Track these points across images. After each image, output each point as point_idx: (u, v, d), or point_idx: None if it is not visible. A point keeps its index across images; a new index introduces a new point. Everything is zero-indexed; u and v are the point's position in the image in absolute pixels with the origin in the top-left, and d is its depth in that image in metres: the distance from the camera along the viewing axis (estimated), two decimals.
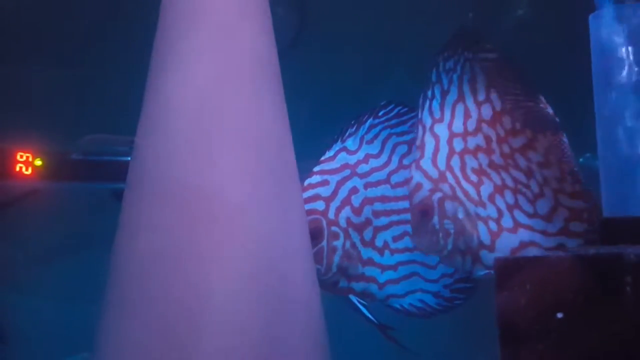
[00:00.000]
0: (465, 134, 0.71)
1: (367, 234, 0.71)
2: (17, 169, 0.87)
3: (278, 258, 0.59)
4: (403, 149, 0.75)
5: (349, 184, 0.72)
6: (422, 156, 0.70)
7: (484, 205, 0.70)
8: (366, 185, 0.72)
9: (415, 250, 0.71)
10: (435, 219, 0.68)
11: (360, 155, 0.73)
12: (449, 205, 0.69)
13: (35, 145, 0.89)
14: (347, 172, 0.72)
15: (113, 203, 0.82)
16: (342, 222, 0.72)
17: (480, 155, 0.71)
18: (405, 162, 0.74)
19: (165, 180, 0.58)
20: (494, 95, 0.73)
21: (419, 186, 0.69)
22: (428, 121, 0.71)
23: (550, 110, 0.73)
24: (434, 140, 0.71)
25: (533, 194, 0.71)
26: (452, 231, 0.68)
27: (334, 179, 0.71)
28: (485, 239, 0.70)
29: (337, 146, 0.73)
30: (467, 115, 0.72)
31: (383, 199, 0.73)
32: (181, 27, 0.61)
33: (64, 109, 0.93)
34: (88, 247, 0.90)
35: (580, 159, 0.97)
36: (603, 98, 0.58)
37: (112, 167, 0.88)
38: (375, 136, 0.74)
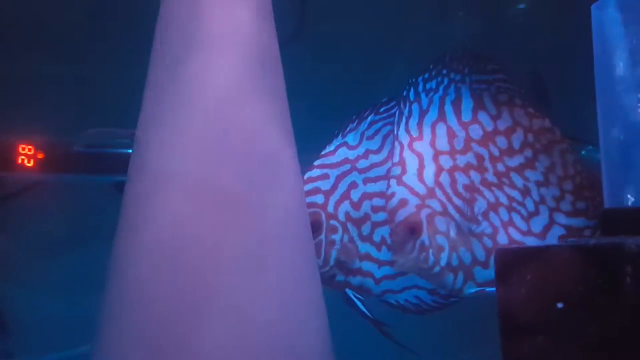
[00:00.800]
0: (453, 152, 0.71)
1: (365, 228, 0.71)
2: (19, 161, 0.87)
3: (284, 249, 0.59)
4: None
5: (348, 179, 0.72)
6: (404, 172, 0.70)
7: (477, 222, 0.70)
8: (365, 181, 0.72)
9: (396, 268, 0.69)
10: (425, 235, 0.68)
11: (361, 150, 0.73)
12: (440, 221, 0.69)
13: (37, 138, 0.89)
14: (347, 166, 0.72)
15: (115, 195, 0.83)
16: (341, 216, 0.72)
17: (472, 173, 0.71)
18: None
19: (167, 172, 0.59)
20: (484, 117, 0.73)
21: (403, 202, 0.68)
22: (405, 139, 0.71)
23: (557, 131, 0.74)
24: (416, 157, 0.70)
25: (528, 212, 0.72)
26: (445, 247, 0.68)
27: (334, 173, 0.72)
28: (480, 255, 0.70)
29: (338, 141, 0.74)
30: (451, 134, 0.72)
31: (381, 194, 0.73)
32: (183, 19, 0.61)
33: (66, 102, 0.93)
34: (90, 239, 0.90)
35: (582, 152, 0.97)
36: (605, 89, 0.57)
37: (114, 160, 0.88)
38: (376, 132, 0.75)
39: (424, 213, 0.68)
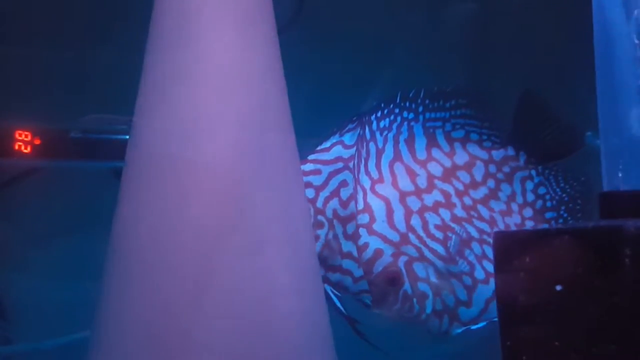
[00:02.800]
0: (419, 192, 0.70)
1: (350, 227, 0.70)
2: (16, 147, 0.87)
3: (281, 234, 0.59)
4: None
5: (340, 177, 0.71)
6: (372, 220, 0.68)
7: (454, 261, 0.69)
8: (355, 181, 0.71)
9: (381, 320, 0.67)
10: (407, 284, 0.66)
11: (355, 150, 0.72)
12: (418, 267, 0.67)
13: (34, 124, 0.88)
14: (340, 165, 0.71)
15: (113, 181, 0.82)
16: (329, 213, 0.71)
17: (442, 211, 0.71)
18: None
19: (165, 157, 0.58)
20: (439, 154, 0.73)
21: (379, 252, 0.67)
22: (367, 182, 0.70)
23: (521, 158, 0.74)
24: (382, 201, 0.69)
25: None
26: (429, 293, 0.67)
27: (326, 169, 0.71)
28: (462, 295, 0.69)
29: (335, 139, 0.73)
30: (412, 173, 0.71)
31: None
32: (180, 3, 0.61)
33: (63, 88, 0.93)
34: (88, 225, 0.90)
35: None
36: (605, 73, 0.57)
37: (112, 146, 0.88)
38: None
39: (402, 261, 0.67)
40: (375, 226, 0.68)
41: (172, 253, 0.56)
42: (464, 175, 0.73)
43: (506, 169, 0.75)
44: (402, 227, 0.68)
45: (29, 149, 0.87)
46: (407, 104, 0.72)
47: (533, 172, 0.76)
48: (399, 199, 0.69)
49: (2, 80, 0.91)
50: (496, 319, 0.68)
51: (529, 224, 0.73)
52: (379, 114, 0.71)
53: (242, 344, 0.55)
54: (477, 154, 0.75)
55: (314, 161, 0.73)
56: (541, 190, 0.76)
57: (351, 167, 0.70)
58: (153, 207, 0.58)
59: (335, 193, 0.71)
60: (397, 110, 0.71)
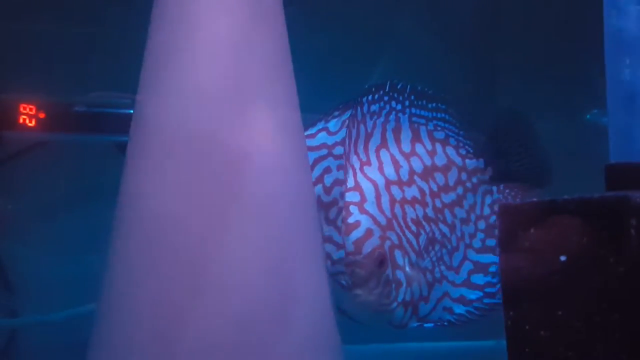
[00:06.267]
0: (401, 183, 0.70)
1: (332, 213, 0.70)
2: (21, 121, 0.87)
3: (286, 205, 0.59)
4: None
5: (324, 163, 0.70)
6: (363, 199, 0.67)
7: (422, 257, 0.70)
8: (339, 167, 0.71)
9: (355, 309, 0.65)
10: (389, 269, 0.65)
11: (338, 137, 0.72)
12: (398, 255, 0.67)
13: (38, 98, 0.88)
14: (325, 151, 0.71)
15: (116, 155, 0.82)
16: None
17: (417, 207, 0.70)
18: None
19: (171, 131, 0.58)
20: (421, 151, 0.73)
21: (369, 233, 0.65)
22: (356, 162, 0.69)
23: (489, 172, 0.75)
24: (370, 184, 0.68)
25: (452, 248, 0.73)
26: (403, 282, 0.66)
27: (312, 155, 0.71)
28: (424, 290, 0.69)
29: (320, 125, 0.73)
30: (396, 163, 0.71)
31: None
32: None
33: (68, 61, 0.93)
34: (92, 198, 0.91)
35: (588, 116, 0.96)
36: (614, 52, 0.57)
37: (116, 119, 0.88)
38: None
39: (387, 245, 0.66)
40: (366, 206, 0.67)
41: (177, 226, 0.56)
42: (440, 177, 0.73)
43: (474, 180, 0.76)
44: (388, 212, 0.68)
45: (33, 122, 0.87)
46: (396, 95, 0.72)
47: (494, 188, 0.77)
48: (385, 185, 0.68)
49: (7, 55, 0.90)
50: (446, 324, 0.69)
51: (480, 236, 0.75)
52: (370, 98, 0.70)
53: (246, 313, 0.56)
54: (454, 159, 0.75)
55: None
56: (497, 207, 0.77)
57: (335, 154, 0.70)
58: (159, 181, 0.58)
59: (320, 179, 0.70)
60: (386, 98, 0.71)
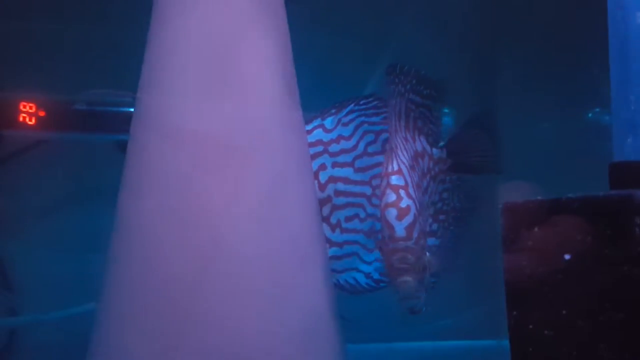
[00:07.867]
0: (413, 168, 0.69)
1: (325, 209, 0.71)
2: (21, 119, 0.87)
3: (287, 202, 0.59)
4: (370, 137, 0.74)
5: (319, 160, 0.71)
6: (407, 184, 0.65)
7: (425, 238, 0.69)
8: (334, 165, 0.72)
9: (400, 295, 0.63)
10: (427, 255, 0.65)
11: (334, 135, 0.73)
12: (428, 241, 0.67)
13: (38, 96, 0.88)
14: (320, 148, 0.71)
15: (116, 154, 0.82)
16: None
17: (417, 190, 0.70)
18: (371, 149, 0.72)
19: (171, 129, 0.58)
20: (411, 136, 0.73)
21: (416, 218, 0.63)
22: (400, 143, 0.67)
23: (449, 162, 0.76)
24: (405, 168, 0.67)
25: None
26: (427, 268, 0.65)
27: None
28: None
29: (316, 122, 0.73)
30: (407, 149, 0.70)
31: (346, 180, 0.73)
32: None
33: (68, 60, 0.93)
34: (92, 197, 0.90)
35: (589, 114, 0.96)
36: (618, 50, 0.56)
37: (116, 118, 0.88)
38: (351, 121, 0.74)
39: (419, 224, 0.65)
40: (410, 191, 0.65)
41: (178, 224, 0.56)
42: (421, 163, 0.73)
43: (436, 169, 0.77)
44: (416, 197, 0.66)
45: (33, 120, 0.87)
46: (402, 77, 0.71)
47: (447, 178, 0.78)
48: (408, 171, 0.67)
49: (7, 53, 0.90)
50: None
51: (429, 221, 0.74)
52: (394, 79, 0.70)
53: (249, 308, 0.55)
54: (426, 148, 0.75)
55: None
56: (445, 195, 0.77)
57: (330, 151, 0.71)
58: (160, 180, 0.57)
59: (315, 176, 0.71)
60: (396, 80, 0.71)
